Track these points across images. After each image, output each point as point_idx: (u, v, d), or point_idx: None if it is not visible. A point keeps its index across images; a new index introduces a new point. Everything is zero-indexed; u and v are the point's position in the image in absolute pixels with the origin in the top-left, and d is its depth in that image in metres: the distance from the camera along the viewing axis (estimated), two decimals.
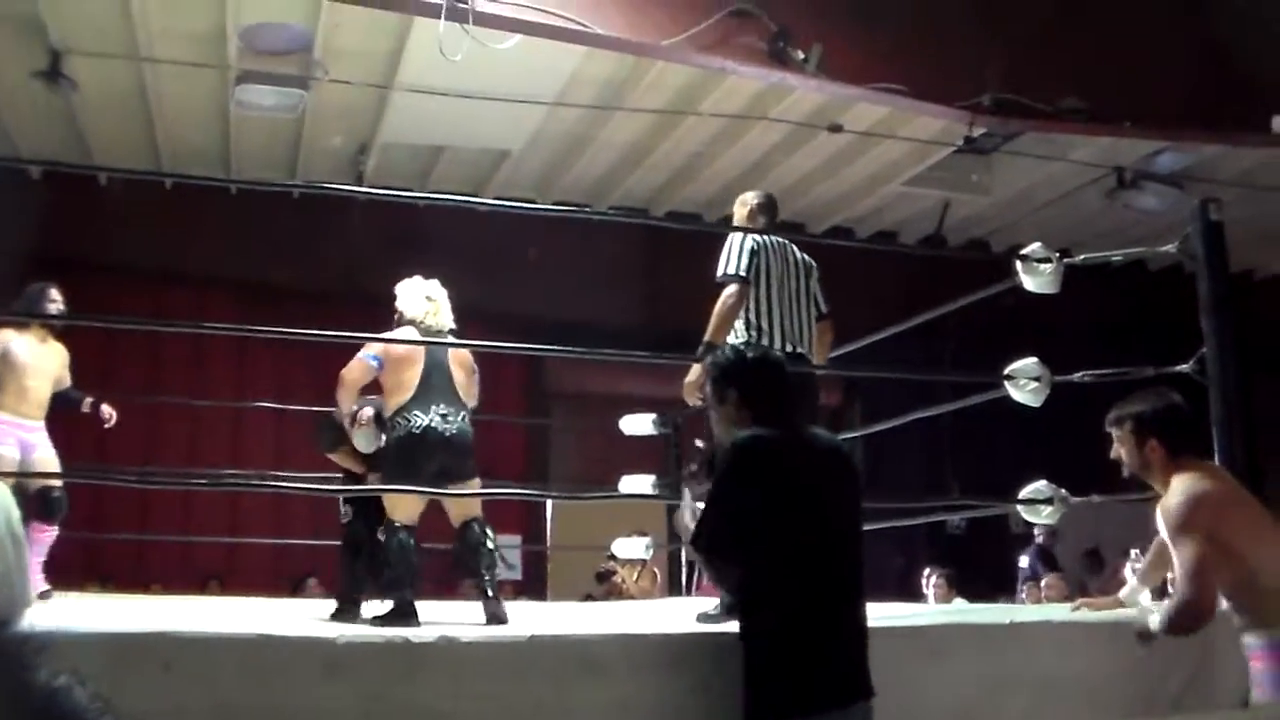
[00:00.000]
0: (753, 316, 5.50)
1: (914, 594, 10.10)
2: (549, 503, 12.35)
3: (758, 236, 5.61)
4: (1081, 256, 5.59)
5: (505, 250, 11.17)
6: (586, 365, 9.32)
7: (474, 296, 10.95)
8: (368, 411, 5.42)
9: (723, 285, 5.47)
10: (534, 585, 11.78)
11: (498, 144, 10.49)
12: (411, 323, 5.43)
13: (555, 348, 6.02)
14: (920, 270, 11.08)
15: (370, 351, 5.28)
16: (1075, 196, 11.28)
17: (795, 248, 5.78)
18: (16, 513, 3.70)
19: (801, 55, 8.27)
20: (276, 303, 10.14)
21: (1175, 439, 4.15)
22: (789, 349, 5.45)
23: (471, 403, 5.42)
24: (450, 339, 5.42)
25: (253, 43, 8.48)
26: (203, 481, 9.96)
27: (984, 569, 11.52)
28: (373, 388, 5.34)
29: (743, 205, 5.99)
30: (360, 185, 10.38)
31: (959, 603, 9.56)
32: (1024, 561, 10.95)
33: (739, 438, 3.74)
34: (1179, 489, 3.99)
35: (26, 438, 7.08)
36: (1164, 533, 4.03)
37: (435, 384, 5.23)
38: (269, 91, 8.82)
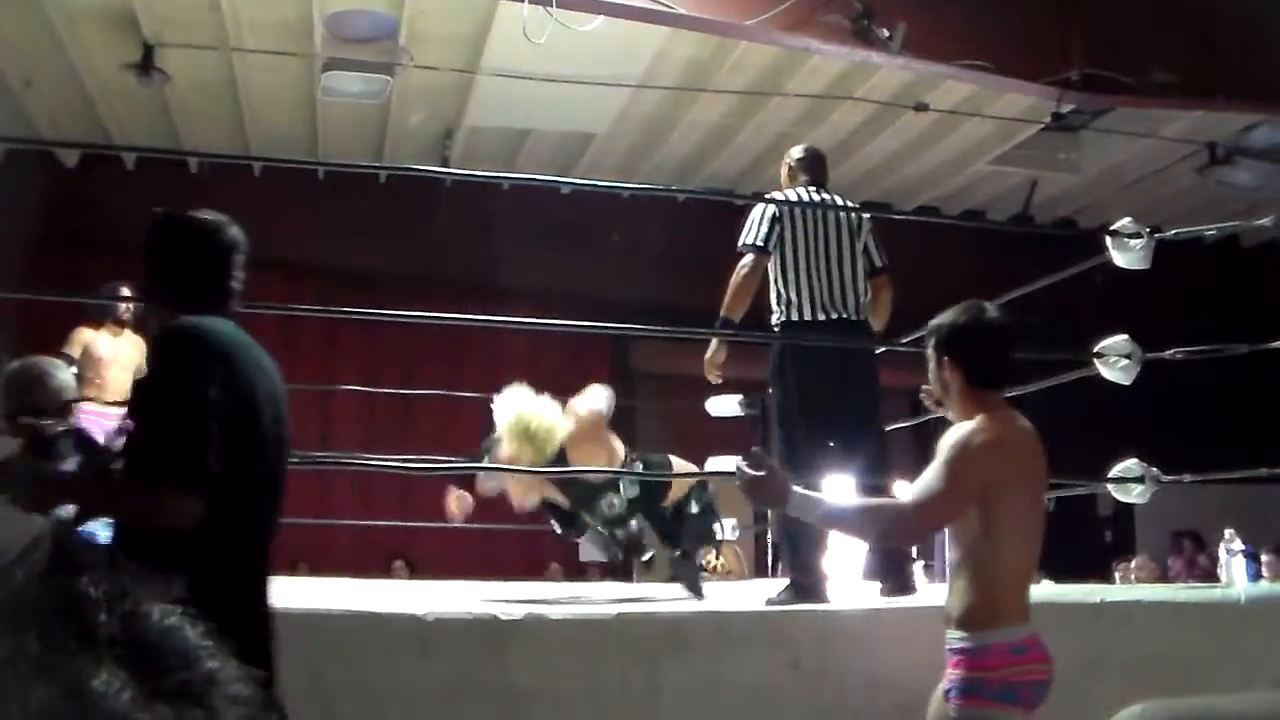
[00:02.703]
0: (781, 288, 5.37)
1: None
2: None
3: (786, 199, 5.48)
4: (1173, 231, 5.50)
5: (591, 233, 11.20)
6: (674, 347, 9.28)
7: (559, 278, 10.98)
8: None
9: (741, 256, 5.39)
10: (622, 566, 11.77)
11: (582, 127, 10.50)
12: None
13: (635, 326, 5.98)
14: (1008, 249, 10.95)
15: None
16: (1166, 173, 11.07)
17: (844, 204, 5.58)
18: None
19: (886, 33, 8.19)
20: (364, 287, 10.25)
21: (975, 365, 3.52)
22: (824, 317, 5.31)
23: None
24: None
25: (338, 30, 8.56)
26: (293, 460, 10.05)
27: (1072, 550, 11.35)
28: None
29: (784, 164, 5.85)
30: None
31: (1046, 584, 9.45)
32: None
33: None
34: (984, 427, 3.40)
35: (109, 425, 7.35)
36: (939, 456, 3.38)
37: None
38: (355, 78, 8.89)
